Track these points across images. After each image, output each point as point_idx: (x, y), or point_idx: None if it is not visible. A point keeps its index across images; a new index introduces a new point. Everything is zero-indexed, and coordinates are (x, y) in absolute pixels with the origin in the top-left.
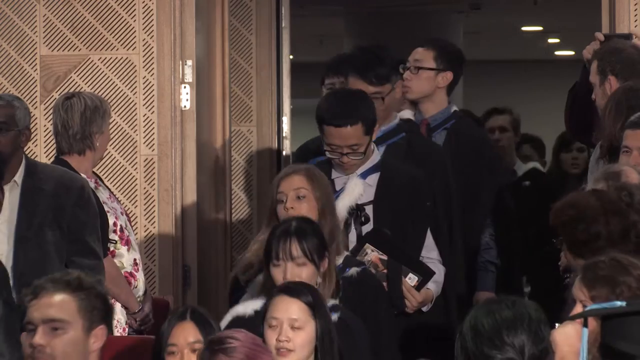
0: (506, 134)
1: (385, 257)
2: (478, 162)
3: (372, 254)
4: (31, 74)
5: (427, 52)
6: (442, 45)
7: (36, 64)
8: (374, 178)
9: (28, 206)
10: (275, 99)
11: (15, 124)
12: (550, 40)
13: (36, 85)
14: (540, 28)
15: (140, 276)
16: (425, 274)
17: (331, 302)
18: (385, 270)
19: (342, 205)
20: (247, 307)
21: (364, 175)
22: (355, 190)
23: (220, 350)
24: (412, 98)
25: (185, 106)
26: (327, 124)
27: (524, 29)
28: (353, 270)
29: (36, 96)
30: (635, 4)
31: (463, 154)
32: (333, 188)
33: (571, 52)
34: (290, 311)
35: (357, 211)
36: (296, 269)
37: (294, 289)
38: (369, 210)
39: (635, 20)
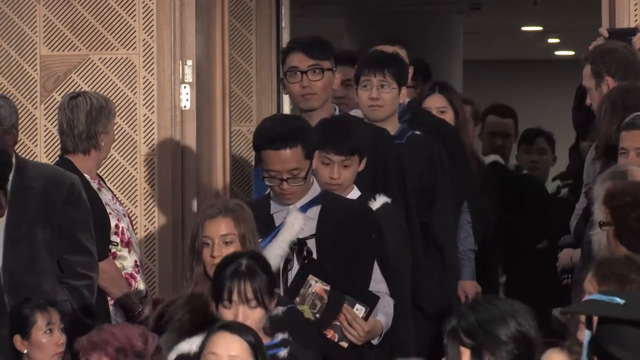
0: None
1: (329, 288)
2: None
3: (316, 285)
4: (31, 74)
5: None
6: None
7: (36, 64)
8: (314, 211)
9: (18, 205)
10: (275, 99)
11: None
12: (550, 40)
13: (36, 85)
14: (540, 28)
15: (140, 278)
16: (371, 301)
17: (280, 336)
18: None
19: (283, 240)
20: (192, 344)
21: (304, 209)
22: (296, 224)
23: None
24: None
25: (185, 106)
26: (264, 148)
27: (524, 29)
28: (279, 310)
29: (36, 96)
30: (635, 4)
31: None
32: (272, 223)
33: (571, 52)
34: (231, 348)
35: (298, 246)
36: (248, 311)
37: (236, 327)
38: (311, 244)
39: (636, 20)
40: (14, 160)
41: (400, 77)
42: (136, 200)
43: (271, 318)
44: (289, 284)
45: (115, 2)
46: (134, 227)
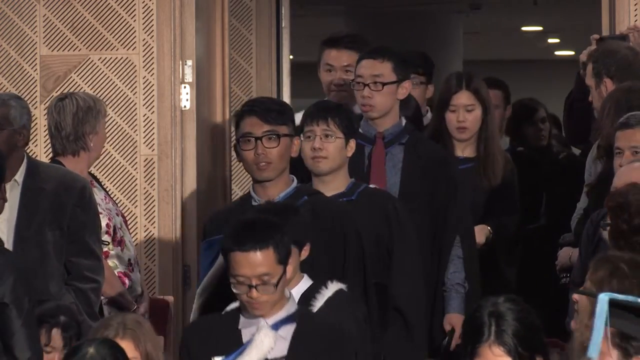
0: None
1: None
2: (443, 178)
3: None
4: (31, 74)
5: (384, 64)
6: (396, 54)
7: (36, 64)
8: (288, 330)
9: (28, 206)
10: None
11: (9, 123)
12: (550, 40)
13: (36, 85)
14: (540, 28)
15: (135, 276)
16: None
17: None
18: None
19: None
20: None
21: (276, 326)
22: (265, 342)
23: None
24: (376, 117)
25: (185, 106)
26: (232, 250)
27: (524, 29)
28: None
29: (36, 96)
30: (635, 4)
31: (426, 170)
32: (239, 339)
33: (571, 52)
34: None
35: None
36: None
37: None
38: None
39: (635, 21)
40: (25, 160)
41: (346, 127)
42: (136, 200)
43: None
44: None
45: (115, 2)
46: (134, 227)
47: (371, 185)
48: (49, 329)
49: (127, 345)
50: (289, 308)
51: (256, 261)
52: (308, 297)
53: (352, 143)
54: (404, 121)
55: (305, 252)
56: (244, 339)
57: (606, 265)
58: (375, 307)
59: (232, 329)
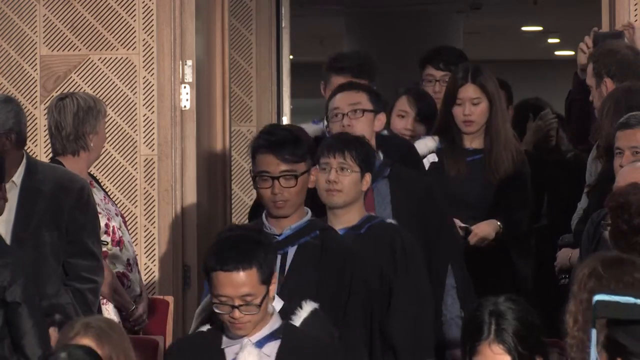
0: None
1: None
2: (431, 209)
3: None
4: (31, 74)
5: (360, 94)
6: (369, 88)
7: (36, 64)
8: (272, 347)
9: (26, 207)
10: (275, 99)
11: None
12: (550, 40)
13: (36, 85)
14: (540, 28)
15: (134, 277)
16: None
17: None
18: None
19: None
20: None
21: (260, 344)
22: None
23: None
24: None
25: (185, 106)
26: (215, 269)
27: (524, 29)
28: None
29: (36, 96)
30: (635, 4)
31: (414, 202)
32: (223, 359)
33: (571, 52)
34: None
35: None
36: None
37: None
38: None
39: (635, 20)
40: (25, 161)
41: (363, 161)
42: (136, 200)
43: None
44: None
45: (115, 2)
46: (134, 227)
47: (388, 220)
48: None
49: (87, 344)
50: (273, 324)
51: (239, 281)
52: (282, 317)
53: (368, 177)
54: (381, 155)
55: (273, 286)
56: (228, 358)
57: (585, 267)
58: (379, 351)
59: (215, 349)
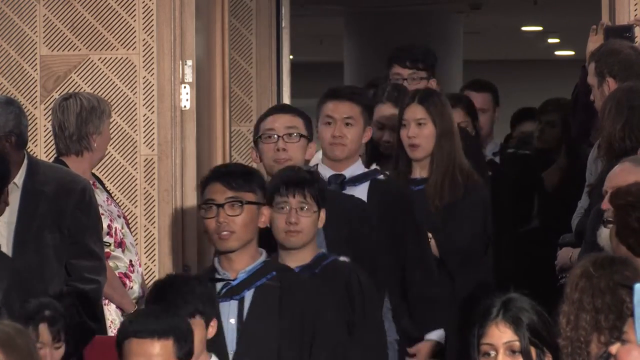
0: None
1: None
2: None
3: None
4: (31, 74)
5: (296, 118)
6: (304, 113)
7: (36, 64)
8: None
9: (28, 209)
10: (275, 99)
11: None
12: (550, 40)
13: (36, 85)
14: (540, 28)
15: (136, 278)
16: None
17: None
18: None
19: None
20: None
21: None
22: None
23: None
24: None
25: (185, 106)
26: (127, 337)
27: (524, 29)
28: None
29: (36, 96)
30: (636, 4)
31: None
32: None
33: (571, 52)
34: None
35: None
36: None
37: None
38: None
39: None
40: (26, 162)
41: (321, 197)
42: (136, 200)
43: None
44: None
45: (115, 2)
46: (134, 227)
47: (341, 258)
48: (35, 326)
49: None
50: None
51: (153, 352)
52: None
53: (323, 214)
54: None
55: (212, 329)
56: None
57: (577, 268)
58: None
59: None
